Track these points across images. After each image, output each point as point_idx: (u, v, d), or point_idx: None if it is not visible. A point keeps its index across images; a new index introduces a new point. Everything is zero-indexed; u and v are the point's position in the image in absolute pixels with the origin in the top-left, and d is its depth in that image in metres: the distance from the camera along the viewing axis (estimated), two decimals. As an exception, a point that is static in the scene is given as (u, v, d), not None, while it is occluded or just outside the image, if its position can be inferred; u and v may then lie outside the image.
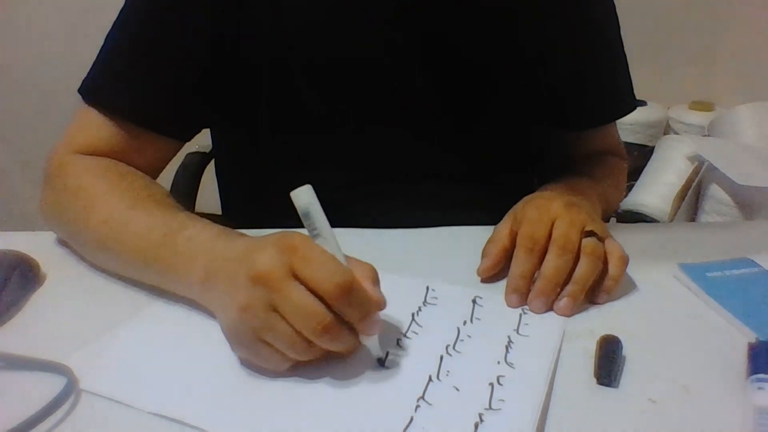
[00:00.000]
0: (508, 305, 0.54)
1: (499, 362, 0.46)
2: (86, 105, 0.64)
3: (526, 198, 0.63)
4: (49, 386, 0.41)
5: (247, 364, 0.45)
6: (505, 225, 0.60)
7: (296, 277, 0.41)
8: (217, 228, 0.52)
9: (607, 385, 0.44)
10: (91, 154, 0.62)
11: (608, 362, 0.45)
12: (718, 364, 0.46)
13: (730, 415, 0.41)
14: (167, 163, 0.69)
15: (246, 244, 0.46)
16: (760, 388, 0.41)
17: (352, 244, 0.64)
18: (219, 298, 0.46)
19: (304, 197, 0.42)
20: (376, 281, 0.44)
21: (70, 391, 0.42)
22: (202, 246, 0.50)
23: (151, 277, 0.54)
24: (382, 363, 0.45)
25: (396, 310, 0.52)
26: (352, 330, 0.43)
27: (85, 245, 0.59)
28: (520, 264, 0.54)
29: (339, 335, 0.42)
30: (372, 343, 0.45)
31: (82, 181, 0.60)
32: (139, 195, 0.58)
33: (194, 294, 0.50)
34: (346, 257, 0.44)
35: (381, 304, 0.43)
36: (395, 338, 0.48)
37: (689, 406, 0.43)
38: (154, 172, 0.67)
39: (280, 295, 0.41)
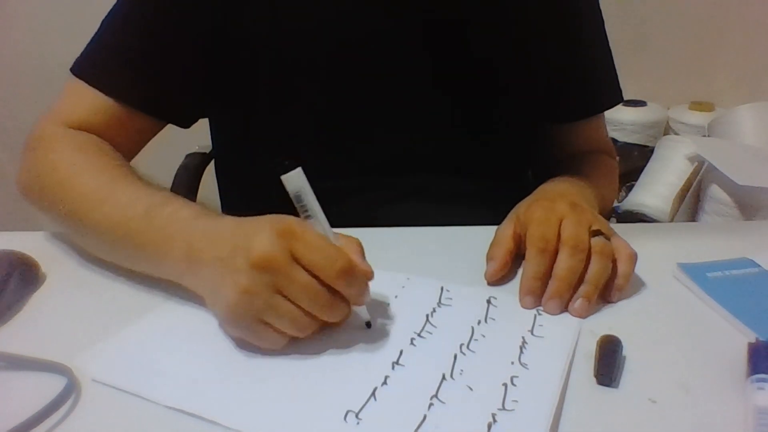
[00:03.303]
0: (523, 307, 0.53)
1: (513, 363, 0.46)
2: (75, 80, 0.64)
3: (526, 199, 0.63)
4: (49, 386, 0.42)
5: (241, 344, 0.47)
6: (508, 227, 0.59)
7: (297, 261, 0.44)
8: (197, 207, 0.53)
9: (607, 385, 0.44)
10: (77, 128, 0.63)
11: (608, 362, 0.45)
12: (718, 364, 0.46)
13: (730, 415, 0.41)
14: (147, 143, 0.69)
15: (234, 225, 0.48)
16: (760, 388, 0.41)
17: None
18: (209, 280, 0.47)
19: (296, 181, 0.45)
20: (362, 253, 0.48)
21: (70, 391, 0.42)
22: (182, 223, 0.50)
23: (131, 254, 0.53)
24: (369, 326, 0.49)
25: (410, 310, 0.52)
26: (345, 300, 0.46)
27: (62, 220, 0.59)
28: (533, 265, 0.54)
29: (338, 308, 0.46)
30: (361, 309, 0.49)
31: (62, 153, 0.60)
32: (121, 171, 0.58)
33: (175, 274, 0.51)
34: (333, 233, 0.47)
35: (370, 276, 0.47)
36: (409, 338, 0.48)
37: (689, 406, 0.43)
38: (132, 151, 0.67)
39: (286, 279, 0.43)
